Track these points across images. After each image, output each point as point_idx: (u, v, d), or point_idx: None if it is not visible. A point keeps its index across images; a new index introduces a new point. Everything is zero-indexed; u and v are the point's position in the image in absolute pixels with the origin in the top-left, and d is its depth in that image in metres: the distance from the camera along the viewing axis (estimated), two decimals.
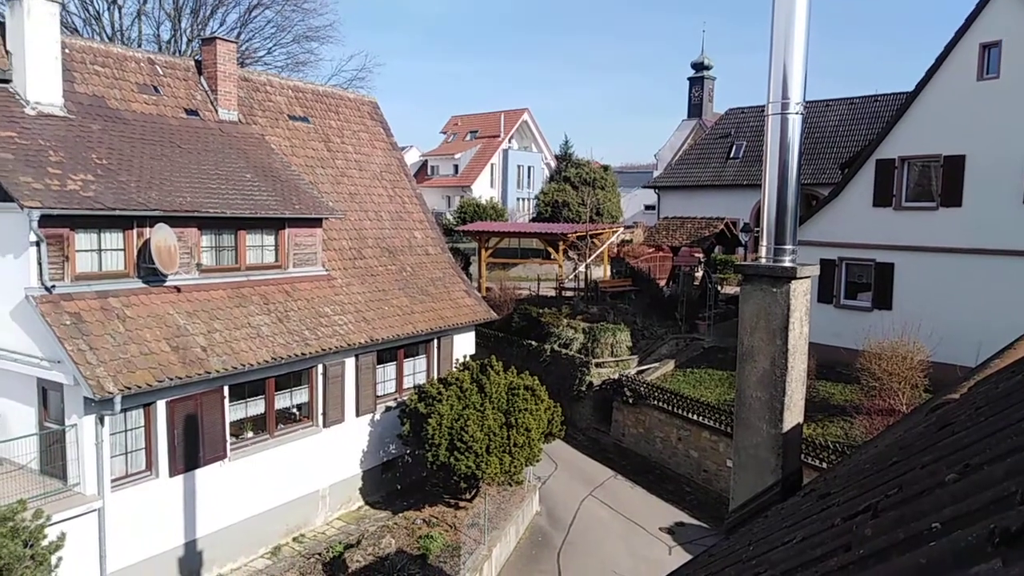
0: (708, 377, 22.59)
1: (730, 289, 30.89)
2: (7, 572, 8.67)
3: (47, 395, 12.49)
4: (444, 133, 67.15)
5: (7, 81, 13.74)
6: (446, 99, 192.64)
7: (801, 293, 5.87)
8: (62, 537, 9.42)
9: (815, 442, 16.70)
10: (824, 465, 15.86)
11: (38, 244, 11.74)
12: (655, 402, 21.35)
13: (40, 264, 11.81)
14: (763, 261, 6.11)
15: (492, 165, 60.27)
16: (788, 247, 6.04)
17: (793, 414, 5.91)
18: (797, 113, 5.99)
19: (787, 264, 5.94)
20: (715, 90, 60.19)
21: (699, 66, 59.08)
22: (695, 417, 20.11)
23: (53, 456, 12.32)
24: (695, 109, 59.53)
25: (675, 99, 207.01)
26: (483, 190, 57.67)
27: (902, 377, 17.11)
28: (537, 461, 17.11)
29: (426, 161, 63.89)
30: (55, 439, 12.25)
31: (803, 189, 30.90)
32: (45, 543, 9.19)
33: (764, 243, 6.15)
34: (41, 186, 11.90)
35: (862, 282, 22.03)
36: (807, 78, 6.00)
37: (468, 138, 63.42)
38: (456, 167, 60.93)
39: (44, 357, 11.94)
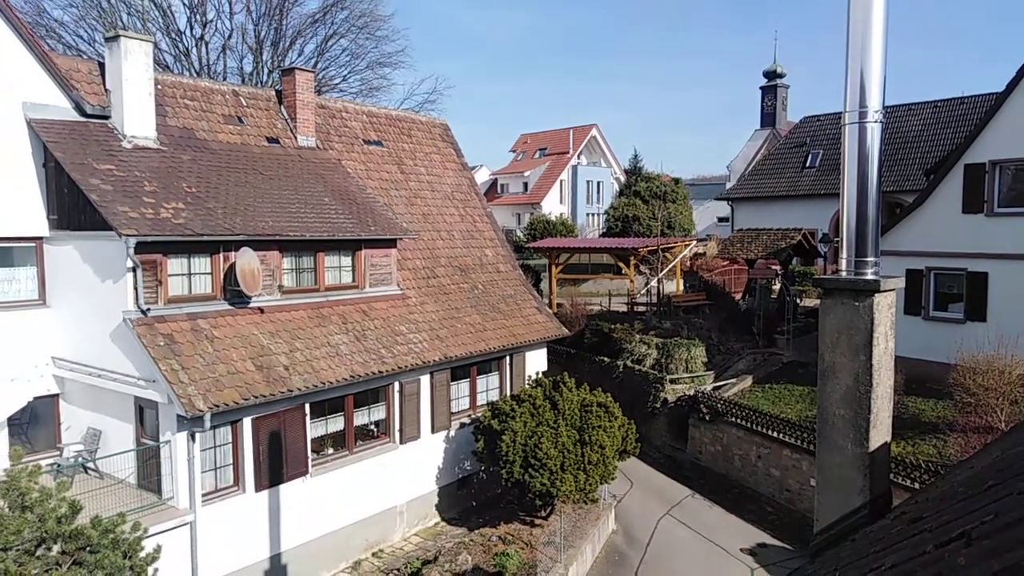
0: (788, 393, 21.89)
1: (809, 302, 29.91)
2: None
3: (143, 413, 13.18)
4: (513, 151, 67.78)
5: (107, 117, 14.71)
6: (515, 118, 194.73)
7: (885, 306, 5.67)
8: (158, 549, 9.88)
9: (905, 461, 15.93)
10: (916, 486, 15.10)
11: (134, 270, 12.47)
12: (733, 419, 20.81)
13: (136, 288, 12.53)
14: (843, 274, 5.94)
15: (561, 181, 60.41)
16: (870, 259, 5.86)
17: (880, 432, 5.70)
18: (876, 122, 5.83)
19: (869, 277, 5.76)
20: (789, 98, 58.71)
21: (771, 74, 57.77)
22: (775, 434, 19.49)
23: (149, 471, 12.98)
24: (768, 118, 58.16)
25: (747, 109, 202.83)
26: (553, 206, 57.82)
27: (1000, 393, 16.15)
28: (612, 479, 16.92)
29: (496, 179, 64.60)
30: (150, 455, 12.91)
31: (885, 197, 29.74)
32: (142, 555, 9.66)
33: (844, 256, 5.98)
34: (137, 215, 12.66)
35: (953, 293, 20.97)
36: (886, 84, 5.82)
37: (537, 155, 63.82)
38: (526, 184, 61.35)
39: (140, 377, 12.63)
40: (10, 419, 13.65)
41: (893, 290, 5.71)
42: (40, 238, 14.17)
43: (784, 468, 19.27)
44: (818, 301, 6.61)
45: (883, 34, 5.70)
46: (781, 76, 57.75)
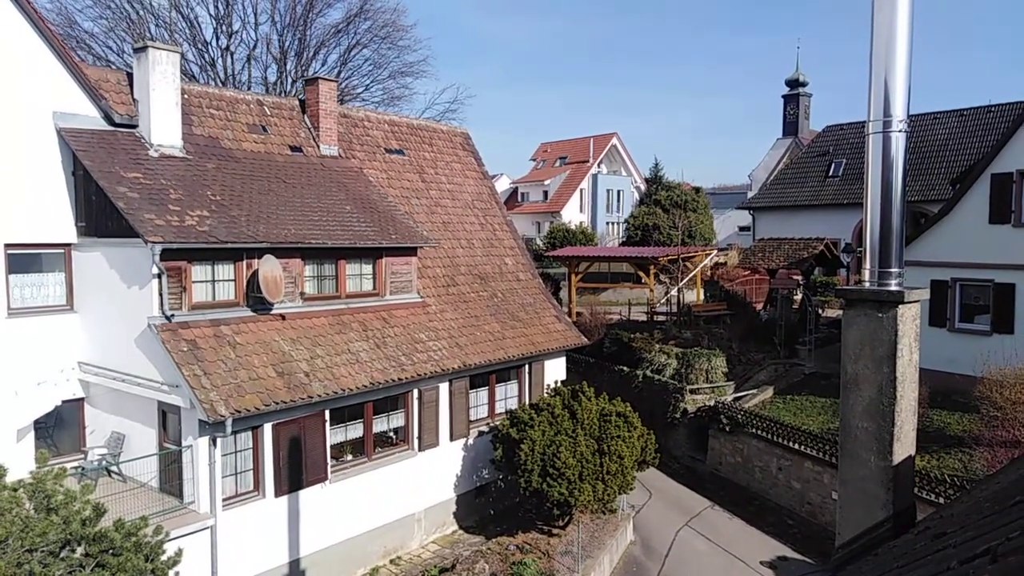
0: (810, 404, 21.64)
1: (832, 312, 29.57)
2: None
3: (166, 417, 13.34)
4: (534, 160, 67.96)
5: (134, 126, 14.97)
6: (536, 127, 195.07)
7: (910, 318, 5.61)
8: (179, 553, 9.97)
9: (930, 475, 15.67)
10: (941, 501, 14.84)
11: (159, 276, 12.65)
12: (754, 430, 20.62)
13: (161, 295, 12.71)
14: (867, 285, 5.88)
15: (581, 190, 60.42)
16: (894, 270, 5.80)
17: (904, 446, 5.62)
18: (900, 131, 5.77)
19: (893, 288, 5.70)
20: (811, 107, 58.28)
21: (794, 83, 57.40)
22: (797, 446, 19.27)
23: (171, 475, 13.13)
24: (790, 127, 57.74)
25: (769, 118, 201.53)
26: (572, 215, 57.83)
27: None
28: (631, 489, 16.82)
29: (516, 188, 64.76)
30: (172, 459, 13.06)
31: (910, 207, 29.39)
32: (164, 558, 9.75)
33: (867, 266, 5.93)
34: (163, 222, 12.85)
35: (979, 304, 20.65)
36: (911, 92, 5.77)
37: (557, 164, 63.91)
38: (546, 193, 61.44)
39: (164, 382, 12.79)
40: (37, 422, 13.87)
41: (918, 301, 5.65)
42: (68, 245, 14.43)
43: (805, 480, 19.04)
44: (840, 312, 6.55)
45: (908, 41, 5.65)
46: (803, 85, 57.37)
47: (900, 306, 5.47)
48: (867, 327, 5.63)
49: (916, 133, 34.03)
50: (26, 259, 14.00)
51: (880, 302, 5.57)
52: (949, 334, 20.91)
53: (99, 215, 13.89)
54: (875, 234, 5.81)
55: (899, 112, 5.69)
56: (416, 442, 16.34)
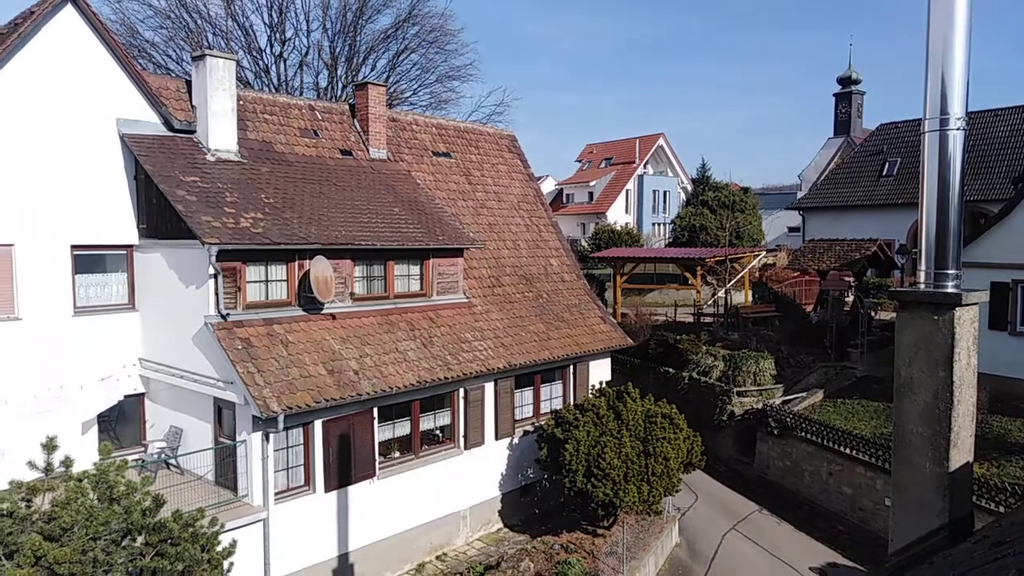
0: (862, 408, 21.16)
1: (885, 315, 28.82)
2: (188, 574, 9.58)
3: (221, 413, 13.76)
4: (579, 161, 67.76)
5: (192, 131, 15.48)
6: (581, 128, 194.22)
7: (967, 321, 5.48)
8: (233, 544, 10.28)
9: (989, 483, 15.18)
10: (1000, 509, 14.37)
11: (215, 276, 13.05)
12: (803, 433, 20.25)
13: (217, 294, 13.11)
14: (922, 287, 5.77)
15: (627, 191, 60.03)
16: (951, 271, 5.68)
17: (961, 452, 5.50)
18: (958, 129, 5.65)
19: (950, 290, 5.58)
20: (864, 105, 56.82)
21: (846, 81, 56.06)
22: (848, 451, 18.87)
23: (225, 469, 13.54)
24: (842, 126, 56.42)
25: (819, 117, 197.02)
26: (618, 216, 57.50)
27: None
28: (676, 491, 16.70)
29: (561, 189, 64.66)
30: (227, 453, 13.47)
31: (968, 206, 28.46)
32: (219, 549, 10.06)
33: (923, 268, 5.81)
34: (219, 224, 13.26)
35: None
36: (969, 88, 5.64)
37: (603, 165, 63.62)
38: (591, 194, 61.21)
39: (219, 378, 13.20)
40: (100, 416, 14.44)
41: (976, 304, 5.52)
42: (130, 246, 15.00)
43: (857, 486, 18.62)
44: (894, 314, 6.43)
45: (966, 35, 5.51)
46: (856, 82, 55.99)
47: (957, 308, 5.35)
48: (922, 330, 5.52)
49: (975, 130, 32.89)
50: (91, 260, 14.61)
51: (936, 304, 5.45)
52: (1010, 338, 20.21)
53: (159, 217, 14.41)
54: (931, 235, 5.70)
55: (957, 109, 5.57)
56: (462, 440, 16.51)
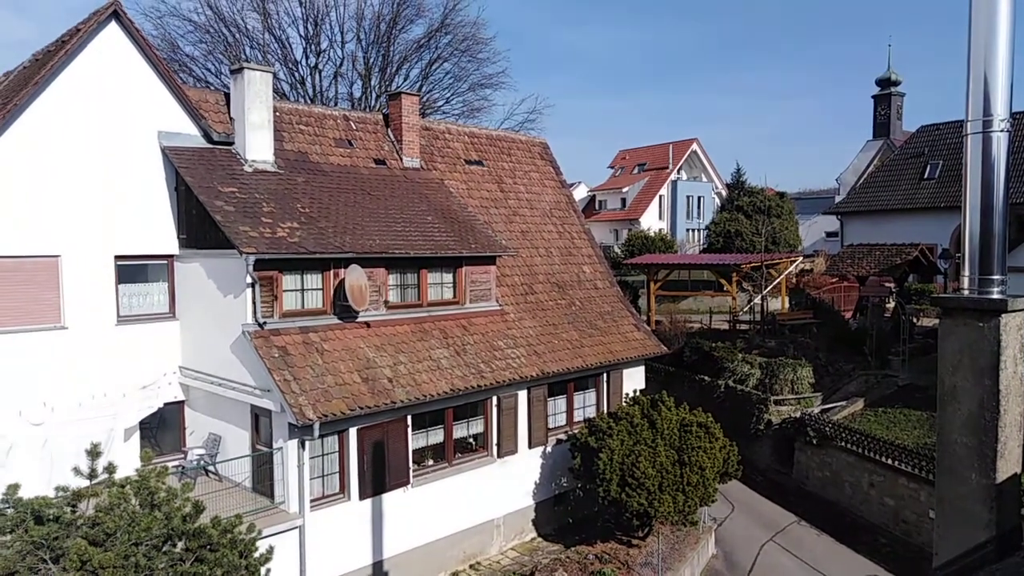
0: (904, 418, 20.64)
1: (928, 321, 28.12)
2: None
3: (258, 420, 13.97)
4: (612, 167, 67.57)
5: (231, 143, 15.81)
6: (614, 134, 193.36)
7: (1014, 327, 5.34)
8: (271, 550, 10.41)
9: None
10: None
11: (253, 285, 13.28)
12: (843, 443, 19.83)
13: (254, 303, 13.34)
14: (966, 293, 5.63)
15: (660, 197, 59.67)
16: (996, 277, 5.54)
17: (1008, 463, 5.34)
18: (1003, 130, 5.52)
19: (995, 296, 5.44)
20: (903, 107, 55.68)
21: (885, 82, 54.98)
22: (890, 461, 18.42)
23: (262, 476, 13.72)
24: (881, 128, 55.29)
25: (857, 119, 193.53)
26: (651, 222, 57.16)
27: None
28: (712, 501, 16.47)
29: (594, 196, 64.53)
30: (264, 460, 13.65)
31: (1013, 209, 27.66)
32: (257, 555, 10.19)
33: (967, 273, 5.69)
34: (256, 234, 13.50)
35: None
36: (1013, 89, 5.51)
37: (636, 171, 63.34)
38: (624, 200, 60.98)
39: (256, 386, 13.40)
40: (142, 423, 14.77)
41: (1023, 310, 5.37)
42: (171, 256, 15.35)
43: (899, 498, 18.17)
44: (937, 321, 6.28)
45: (1009, 35, 5.40)
46: (896, 84, 54.89)
47: (1003, 315, 5.22)
48: (967, 337, 5.39)
49: (1018, 132, 32.00)
50: (133, 270, 14.97)
51: (981, 311, 5.32)
52: None
53: (198, 228, 14.72)
54: (975, 239, 5.57)
55: (1000, 111, 5.46)
56: (495, 449, 16.50)
